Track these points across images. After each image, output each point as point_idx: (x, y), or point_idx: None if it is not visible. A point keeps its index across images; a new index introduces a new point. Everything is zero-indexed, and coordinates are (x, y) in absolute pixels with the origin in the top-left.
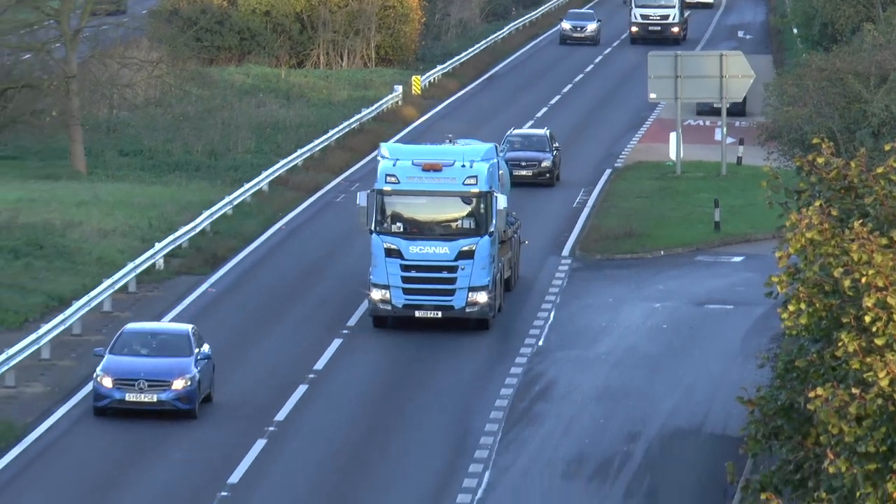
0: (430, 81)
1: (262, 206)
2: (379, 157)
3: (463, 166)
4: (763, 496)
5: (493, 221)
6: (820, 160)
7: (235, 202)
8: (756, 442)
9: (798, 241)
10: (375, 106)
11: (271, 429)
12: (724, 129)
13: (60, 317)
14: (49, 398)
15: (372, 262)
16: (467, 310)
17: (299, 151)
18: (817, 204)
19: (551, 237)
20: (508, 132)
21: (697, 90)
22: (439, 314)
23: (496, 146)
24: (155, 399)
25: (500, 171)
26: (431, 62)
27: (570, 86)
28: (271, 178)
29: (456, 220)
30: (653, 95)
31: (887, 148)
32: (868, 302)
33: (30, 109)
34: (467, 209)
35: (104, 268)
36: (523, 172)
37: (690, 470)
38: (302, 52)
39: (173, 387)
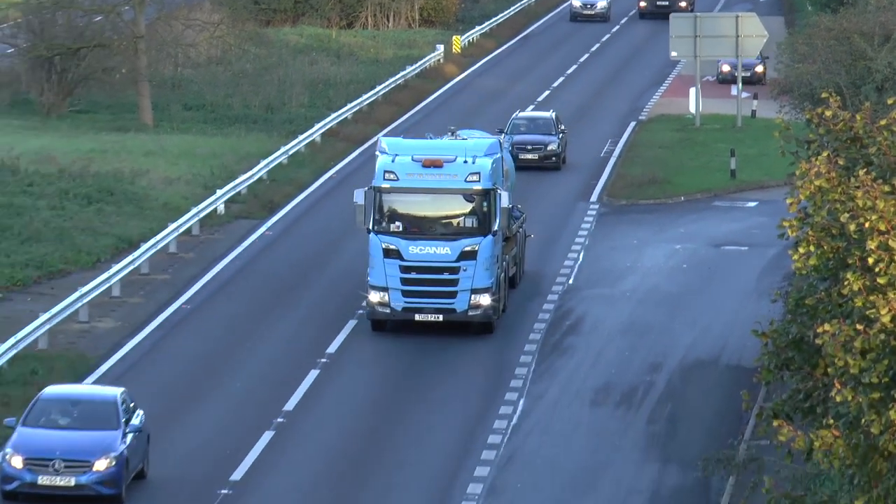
0: (469, 41)
1: (314, 156)
2: (377, 153)
3: (465, 162)
4: (775, 422)
5: (497, 220)
6: (828, 113)
7: (290, 152)
8: (769, 372)
9: (807, 188)
10: (419, 64)
11: (324, 360)
12: (740, 84)
13: (130, 258)
14: (119, 333)
15: (370, 262)
16: (470, 313)
17: (349, 106)
18: (825, 154)
19: (580, 184)
20: (514, 115)
21: (715, 49)
22: (440, 318)
23: (500, 140)
24: (73, 483)
25: (505, 168)
26: (470, 23)
27: (598, 44)
28: (323, 130)
29: (458, 218)
30: (674, 53)
31: (890, 102)
32: (871, 244)
33: (101, 67)
34: (469, 207)
35: (169, 212)
36: (529, 156)
37: (708, 398)
38: (351, 14)
39: (95, 468)
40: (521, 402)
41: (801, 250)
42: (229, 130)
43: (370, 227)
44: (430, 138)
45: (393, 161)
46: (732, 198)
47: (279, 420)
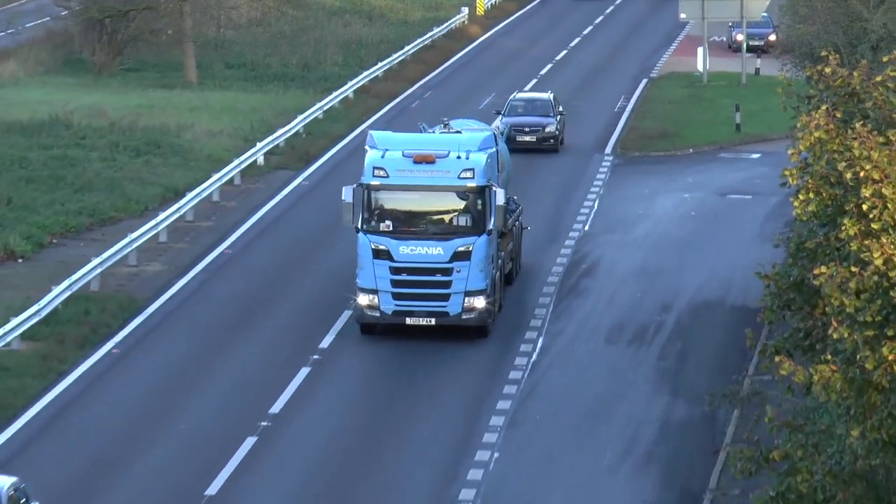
0: (492, 4)
1: (348, 111)
2: (366, 147)
3: (458, 158)
4: (777, 358)
5: (492, 219)
6: (827, 70)
7: (325, 108)
8: (772, 312)
9: (807, 140)
10: (445, 25)
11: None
12: (745, 44)
13: (175, 206)
14: (166, 276)
15: (358, 263)
16: (463, 316)
17: (380, 64)
18: (824, 108)
19: (596, 137)
20: (511, 96)
21: (721, 10)
22: (433, 321)
23: (494, 134)
24: None
25: (501, 161)
26: None
27: (612, 7)
28: (356, 87)
29: (451, 217)
30: (683, 15)
31: (885, 60)
32: (866, 192)
33: (149, 29)
34: (463, 205)
35: (213, 164)
36: (527, 138)
37: (715, 336)
38: None
39: None
40: (541, 339)
41: (802, 198)
42: (268, 87)
43: (359, 226)
44: (424, 129)
45: (383, 157)
46: (737, 150)
47: (315, 357)
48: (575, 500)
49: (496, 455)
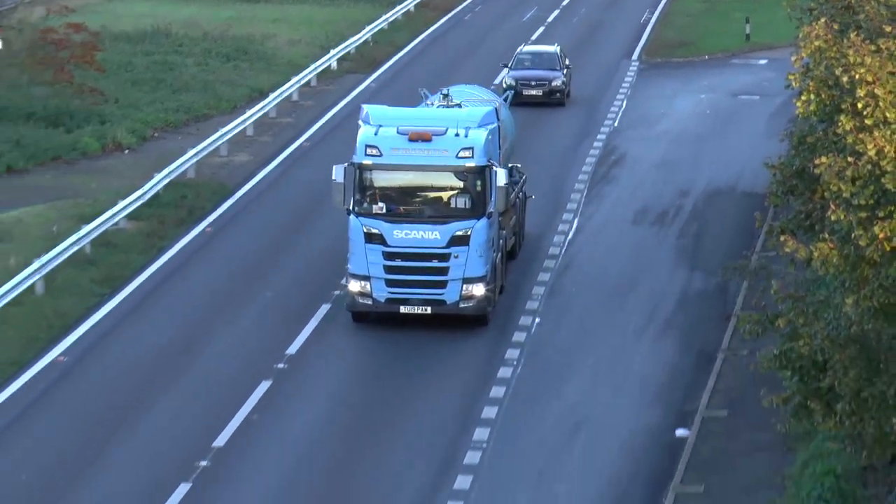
0: None
1: (409, 23)
2: (360, 122)
3: (457, 135)
4: (782, 237)
5: (492, 200)
6: None
7: (390, 20)
8: (777, 197)
9: (808, 48)
10: None
11: None
12: None
13: (260, 104)
14: (252, 165)
15: (350, 248)
16: (461, 305)
17: None
18: (823, 20)
19: (623, 46)
20: (519, 49)
21: None
22: (428, 310)
23: (496, 108)
24: None
25: (502, 133)
26: None
27: None
28: (416, 2)
29: (448, 199)
30: None
31: None
32: (861, 92)
33: None
34: (461, 186)
35: (293, 68)
36: (534, 92)
37: (727, 218)
38: None
39: None
40: (576, 220)
41: (804, 98)
42: (340, 2)
43: (350, 207)
44: (425, 95)
45: (376, 134)
46: (746, 56)
47: None
48: (605, 361)
49: (537, 320)
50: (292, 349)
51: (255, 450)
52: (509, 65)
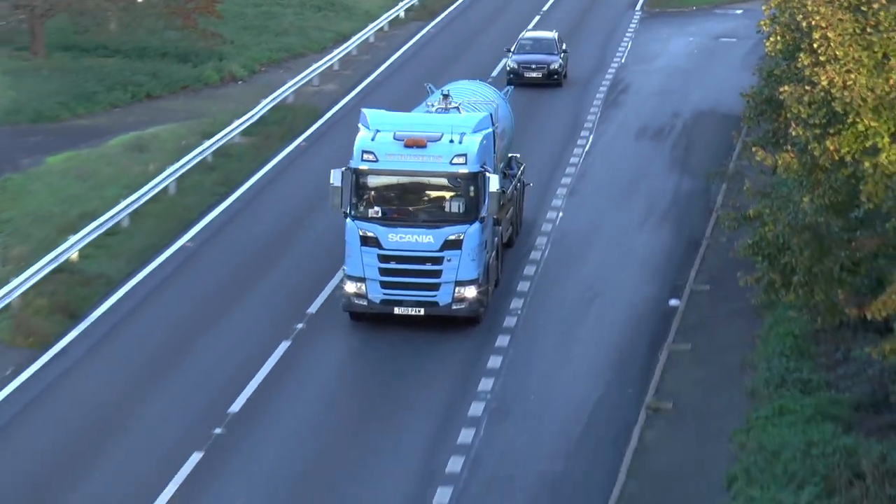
0: None
1: None
2: (359, 125)
3: (451, 141)
4: (753, 149)
5: (485, 205)
6: None
7: None
8: (750, 119)
9: (775, 0)
10: None
11: None
12: None
13: (344, 45)
14: (338, 93)
15: (346, 250)
16: (454, 307)
17: None
18: None
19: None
20: (521, 35)
21: None
22: (422, 311)
23: (491, 115)
24: None
25: (497, 131)
26: None
27: None
28: None
29: (442, 204)
30: None
31: None
32: (816, 35)
33: None
34: (455, 192)
35: (369, 17)
36: (534, 74)
37: (710, 135)
38: None
39: None
40: (591, 136)
41: (772, 40)
42: None
43: (347, 211)
44: (431, 90)
45: (373, 139)
46: (726, 8)
47: None
48: (615, 245)
49: (560, 214)
50: None
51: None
52: (512, 49)
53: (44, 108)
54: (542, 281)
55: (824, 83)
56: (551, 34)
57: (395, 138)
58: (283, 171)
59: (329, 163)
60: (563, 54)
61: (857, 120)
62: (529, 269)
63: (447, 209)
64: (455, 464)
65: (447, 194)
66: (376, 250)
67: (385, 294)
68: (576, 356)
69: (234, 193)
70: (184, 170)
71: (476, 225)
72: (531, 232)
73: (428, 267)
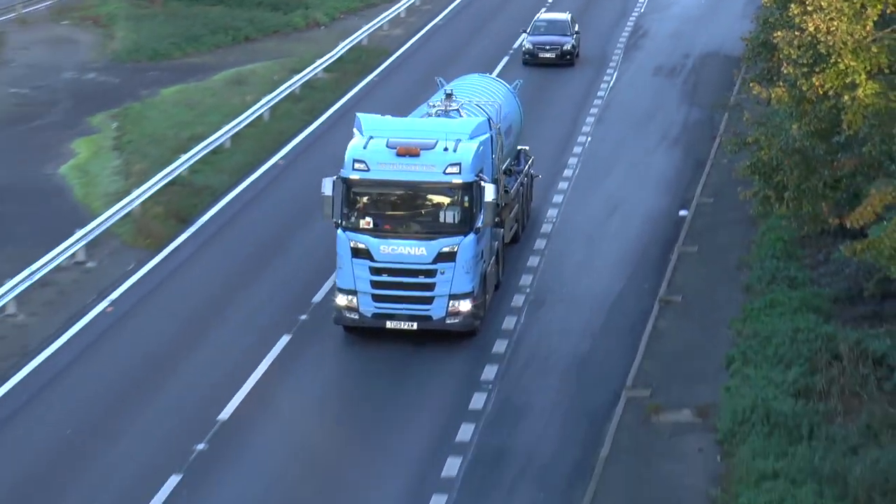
0: None
1: None
2: (354, 130)
3: (445, 149)
4: (751, 84)
5: (481, 216)
6: None
7: None
8: (749, 59)
9: None
10: None
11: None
12: None
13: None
14: (404, 37)
15: (337, 262)
16: (448, 321)
17: None
18: None
19: None
20: (536, 17)
21: None
22: (415, 325)
23: (489, 120)
24: None
25: (500, 133)
26: None
27: None
28: None
29: (435, 215)
30: None
31: None
32: None
33: None
34: (449, 202)
35: None
36: (548, 55)
37: (714, 72)
38: None
39: None
40: (615, 74)
41: None
42: None
43: (338, 221)
44: (441, 84)
45: (365, 147)
46: None
47: None
48: (633, 165)
49: (588, 139)
50: None
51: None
52: (528, 30)
53: (159, 48)
54: (573, 194)
55: (811, 29)
56: (565, 16)
57: (387, 146)
58: (360, 100)
59: (402, 93)
60: (575, 35)
61: (839, 60)
62: (563, 185)
63: (441, 220)
64: (500, 346)
65: (441, 204)
66: (368, 262)
67: (377, 307)
68: (601, 256)
69: (318, 119)
70: (276, 100)
71: (471, 236)
72: (564, 152)
73: (421, 280)
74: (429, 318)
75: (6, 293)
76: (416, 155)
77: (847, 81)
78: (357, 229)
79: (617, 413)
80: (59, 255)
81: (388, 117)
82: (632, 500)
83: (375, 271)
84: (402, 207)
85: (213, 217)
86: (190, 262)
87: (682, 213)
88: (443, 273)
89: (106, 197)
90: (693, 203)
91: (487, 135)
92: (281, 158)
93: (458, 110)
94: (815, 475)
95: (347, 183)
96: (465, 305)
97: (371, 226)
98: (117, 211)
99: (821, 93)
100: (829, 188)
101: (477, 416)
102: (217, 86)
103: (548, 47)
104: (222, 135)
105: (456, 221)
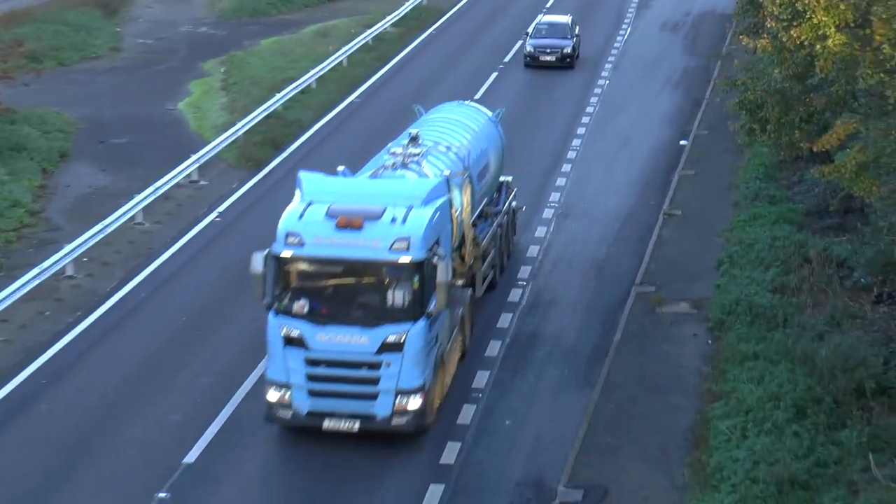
0: None
1: None
2: (297, 190)
3: (393, 220)
4: (740, 36)
5: (433, 299)
6: None
7: None
8: (738, 16)
9: None
10: None
11: None
12: None
13: None
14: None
15: (267, 350)
16: (393, 421)
17: None
18: None
19: None
20: (537, 20)
21: None
22: (356, 425)
23: (448, 179)
24: None
25: (466, 185)
26: None
27: None
28: None
29: (380, 298)
30: None
31: None
32: None
33: None
34: (395, 283)
35: None
36: (548, 58)
37: (710, 28)
38: None
39: None
40: (629, 29)
41: None
42: None
43: (269, 304)
44: (420, 113)
45: (301, 217)
46: None
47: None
48: (642, 104)
49: (607, 82)
50: None
51: None
52: (529, 33)
53: (259, 7)
54: (595, 125)
55: None
56: (566, 19)
57: (327, 216)
58: (424, 48)
59: (451, 46)
60: (576, 39)
61: (813, 16)
62: (585, 119)
63: (387, 304)
64: (533, 251)
65: (387, 286)
66: (302, 352)
67: (313, 404)
68: (615, 178)
69: (386, 66)
70: (352, 49)
71: (421, 323)
72: (586, 93)
73: (363, 373)
74: (372, 416)
75: (135, 206)
76: (359, 228)
77: (819, 33)
78: (290, 314)
79: (628, 305)
80: (177, 175)
81: (335, 177)
82: (639, 375)
83: (311, 363)
84: (341, 289)
85: (302, 145)
86: (283, 181)
87: (683, 142)
88: (388, 365)
89: (215, 128)
90: (691, 135)
91: (445, 197)
92: (357, 97)
93: (419, 160)
94: (789, 356)
95: (279, 260)
96: (413, 402)
97: (306, 310)
98: (224, 139)
99: (798, 43)
100: (803, 122)
101: (514, 307)
102: (306, 38)
103: (548, 50)
104: (309, 77)
105: (404, 306)
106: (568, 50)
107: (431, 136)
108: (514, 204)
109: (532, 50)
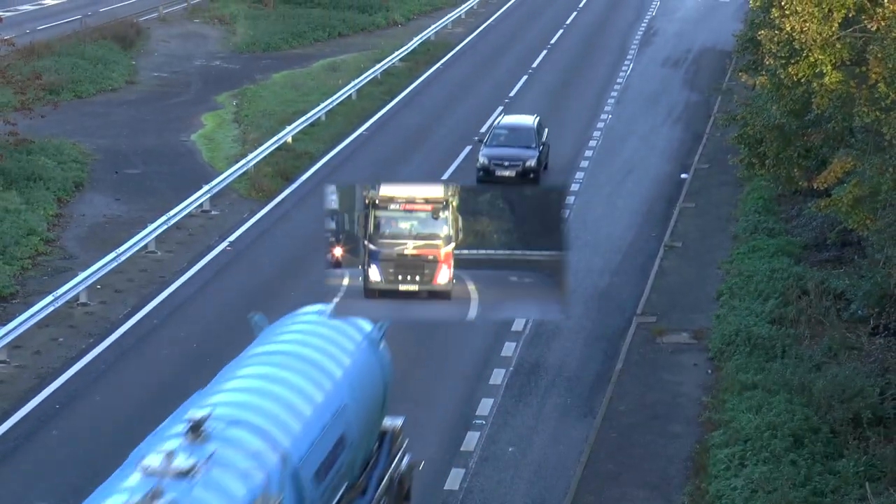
0: None
1: None
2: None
3: None
4: (740, 73)
5: None
6: None
7: None
8: (738, 53)
9: None
10: None
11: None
12: None
13: (469, 2)
14: (464, 34)
15: None
16: None
17: None
18: None
19: None
20: (497, 121)
21: None
22: None
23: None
24: None
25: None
26: None
27: None
28: None
29: None
30: None
31: None
32: None
33: None
34: None
35: None
36: (506, 173)
37: (711, 62)
38: None
39: None
40: (632, 64)
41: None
42: None
43: None
44: (258, 326)
45: None
46: None
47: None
48: (644, 136)
49: (610, 115)
50: None
51: None
52: (484, 140)
53: (271, 42)
54: (598, 157)
55: (788, 29)
56: (531, 121)
57: None
58: (431, 82)
59: (461, 78)
60: (542, 147)
61: (810, 54)
62: (588, 152)
63: None
64: None
65: None
66: None
67: None
68: (617, 209)
69: (394, 99)
70: (361, 83)
71: None
72: (589, 126)
73: None
74: None
75: (148, 234)
76: None
77: (816, 71)
78: None
79: (629, 335)
80: (189, 204)
81: None
82: (640, 403)
83: None
84: None
85: (311, 176)
86: (293, 211)
87: (683, 176)
88: None
89: (227, 159)
90: (692, 168)
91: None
92: (365, 130)
93: (193, 475)
94: (787, 386)
95: None
96: None
97: None
98: (235, 170)
99: (795, 80)
100: (801, 157)
101: (517, 336)
102: (316, 71)
103: (506, 164)
104: (319, 110)
105: None
106: (531, 163)
107: (241, 402)
108: (404, 462)
109: (486, 162)
